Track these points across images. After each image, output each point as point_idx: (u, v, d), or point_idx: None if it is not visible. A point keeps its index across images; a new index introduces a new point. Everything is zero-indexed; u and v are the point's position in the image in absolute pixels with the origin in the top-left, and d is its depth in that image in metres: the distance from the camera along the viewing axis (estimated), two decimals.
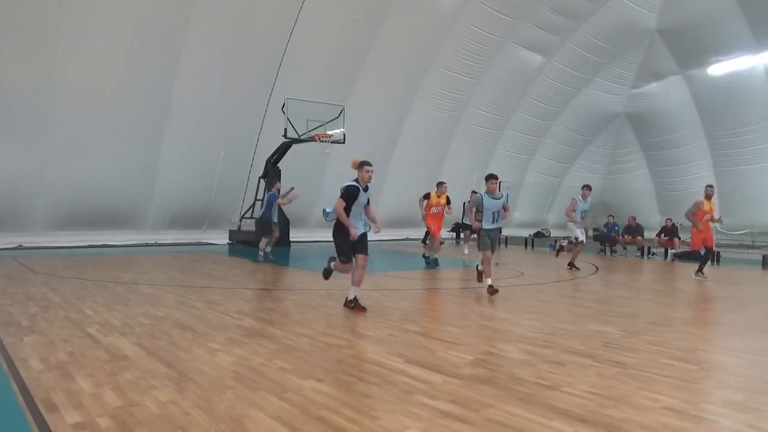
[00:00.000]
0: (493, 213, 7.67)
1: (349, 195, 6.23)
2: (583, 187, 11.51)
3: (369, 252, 6.47)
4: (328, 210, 6.38)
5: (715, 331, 5.90)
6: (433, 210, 11.68)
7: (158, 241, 16.44)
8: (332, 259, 6.80)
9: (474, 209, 7.99)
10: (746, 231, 21.15)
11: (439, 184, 11.88)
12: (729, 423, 3.15)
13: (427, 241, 13.11)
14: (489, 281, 7.53)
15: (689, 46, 21.17)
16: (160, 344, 4.70)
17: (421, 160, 20.53)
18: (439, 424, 3.04)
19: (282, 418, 3.10)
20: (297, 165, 16.29)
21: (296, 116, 15.05)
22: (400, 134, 19.66)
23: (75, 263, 11.01)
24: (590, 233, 24.99)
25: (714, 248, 10.70)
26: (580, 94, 23.60)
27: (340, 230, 6.31)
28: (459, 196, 15.90)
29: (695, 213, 10.20)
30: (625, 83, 23.97)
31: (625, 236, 17.03)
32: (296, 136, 15.14)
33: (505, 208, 7.79)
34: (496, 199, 7.69)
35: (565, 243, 13.30)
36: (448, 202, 11.89)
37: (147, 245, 15.96)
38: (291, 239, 16.60)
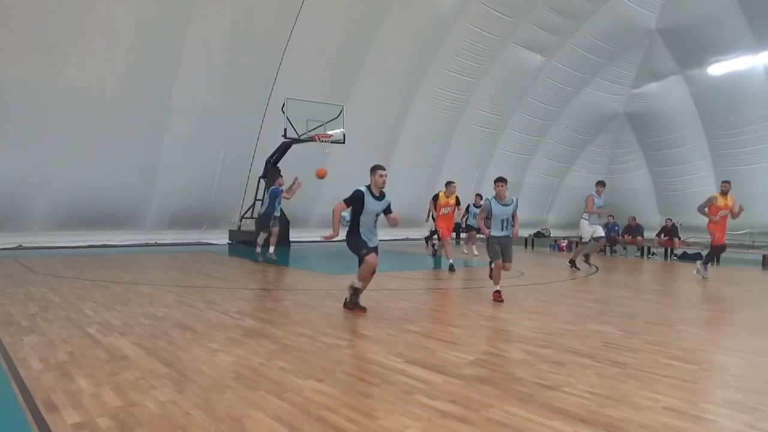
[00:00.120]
0: (502, 220, 7.28)
1: (352, 199, 5.82)
2: (597, 184, 11.68)
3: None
4: (344, 213, 6.07)
5: (715, 331, 5.90)
6: (443, 211, 11.43)
7: (158, 241, 16.44)
8: (354, 290, 6.25)
9: (483, 218, 7.51)
10: (746, 231, 21.12)
11: (448, 184, 11.60)
12: (729, 423, 3.15)
13: (435, 243, 12.99)
14: (498, 288, 7.31)
15: (689, 46, 21.17)
16: (160, 344, 4.70)
17: (421, 160, 20.54)
18: (439, 424, 3.04)
19: (282, 418, 3.10)
20: (297, 165, 16.26)
21: (296, 116, 15.05)
22: (400, 134, 19.66)
23: (75, 263, 11.01)
24: None
25: (722, 247, 10.54)
26: (580, 94, 23.60)
27: (352, 234, 6.02)
28: (459, 197, 15.88)
29: (709, 207, 10.16)
30: (625, 83, 23.98)
31: (625, 236, 17.04)
32: (296, 136, 15.13)
33: (513, 217, 7.37)
34: (505, 205, 7.28)
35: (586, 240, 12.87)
36: (458, 202, 11.66)
37: (147, 245, 15.96)
38: (291, 239, 16.59)
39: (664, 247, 16.31)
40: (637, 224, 17.24)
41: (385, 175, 5.90)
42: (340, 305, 6.60)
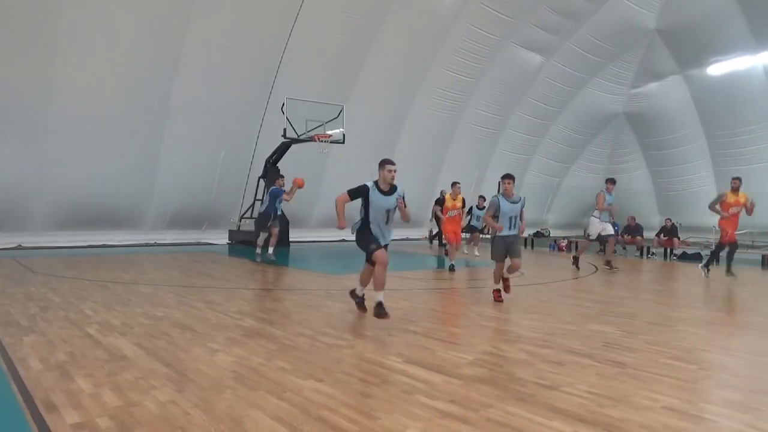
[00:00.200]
0: (510, 218, 7.09)
1: (356, 192, 5.57)
2: (607, 181, 11.71)
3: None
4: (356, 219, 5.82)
5: (714, 331, 5.90)
6: (451, 213, 11.14)
7: (158, 241, 16.44)
8: (352, 293, 6.20)
9: (491, 215, 7.28)
10: (746, 231, 21.10)
11: (454, 185, 11.33)
12: (729, 423, 3.15)
13: (444, 245, 12.74)
14: (498, 286, 7.29)
15: (689, 46, 21.17)
16: (160, 344, 4.70)
17: (421, 160, 20.53)
18: (438, 424, 3.04)
19: (282, 418, 3.10)
20: (296, 165, 16.27)
21: (296, 116, 15.04)
22: (400, 134, 19.66)
23: (75, 263, 11.01)
24: None
25: (734, 244, 10.39)
26: (579, 94, 23.60)
27: (362, 231, 5.72)
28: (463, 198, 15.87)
29: (720, 204, 10.14)
30: (625, 83, 23.98)
31: (625, 236, 17.03)
32: (295, 136, 15.13)
33: (520, 218, 7.23)
34: (513, 202, 7.11)
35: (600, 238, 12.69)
36: (463, 204, 11.35)
37: (147, 245, 15.96)
38: (291, 239, 16.59)
39: (663, 247, 16.31)
40: (637, 224, 17.24)
41: (395, 171, 5.62)
42: (340, 305, 6.60)
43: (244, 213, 17.15)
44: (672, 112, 23.44)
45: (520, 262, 7.23)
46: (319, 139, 15.19)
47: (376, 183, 5.63)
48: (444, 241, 11.03)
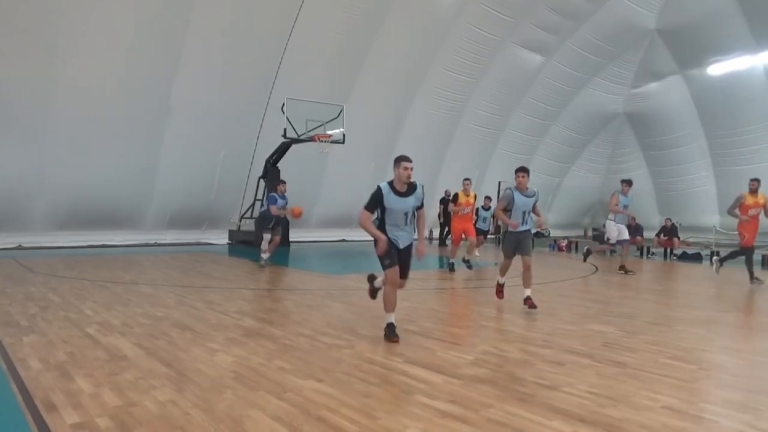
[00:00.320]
0: (524, 212, 6.79)
1: (372, 202, 5.02)
2: (622, 182, 11.33)
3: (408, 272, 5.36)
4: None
5: (714, 331, 5.90)
6: (465, 210, 10.85)
7: (158, 241, 16.44)
8: (372, 277, 5.82)
9: (503, 208, 6.90)
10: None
11: (465, 181, 11.03)
12: (728, 423, 3.15)
13: (447, 243, 12.43)
14: (502, 280, 7.19)
15: (689, 46, 21.17)
16: (160, 344, 4.70)
17: (421, 160, 20.33)
18: (438, 424, 3.04)
19: (282, 418, 3.10)
20: (296, 165, 16.29)
21: (296, 116, 15.04)
22: (400, 134, 19.66)
23: (75, 263, 11.01)
24: (589, 233, 25.09)
25: (750, 249, 9.93)
26: (579, 94, 23.60)
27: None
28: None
29: (738, 207, 9.83)
30: (625, 83, 23.98)
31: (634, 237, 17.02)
32: (296, 136, 15.13)
33: (535, 211, 6.96)
34: (527, 196, 6.78)
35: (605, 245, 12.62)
36: (475, 199, 11.10)
37: (147, 245, 15.96)
38: (291, 239, 16.59)
39: (663, 247, 16.31)
40: (637, 224, 17.23)
41: (411, 168, 5.05)
42: (340, 305, 6.59)
43: (244, 213, 17.15)
44: (672, 112, 23.44)
45: (531, 260, 6.92)
46: (319, 139, 15.19)
47: (390, 183, 5.07)
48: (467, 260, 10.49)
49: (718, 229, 17.30)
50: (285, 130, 14.89)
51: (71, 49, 13.10)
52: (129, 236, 15.98)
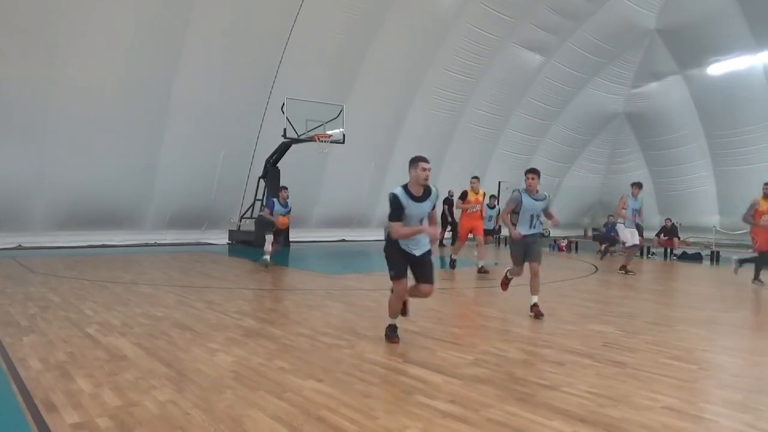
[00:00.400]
0: (532, 216, 6.39)
1: (396, 209, 4.68)
2: (632, 185, 11.00)
3: (433, 279, 5.00)
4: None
5: (714, 331, 5.90)
6: (474, 209, 10.72)
7: (158, 241, 16.44)
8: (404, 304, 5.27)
9: (510, 211, 6.53)
10: (746, 231, 21.14)
11: (473, 179, 10.90)
12: (728, 423, 3.15)
13: (451, 244, 12.25)
14: (510, 276, 6.98)
15: (689, 46, 21.18)
16: (160, 344, 4.70)
17: None
18: (438, 424, 3.04)
19: (282, 418, 3.10)
20: (296, 165, 16.29)
21: (296, 116, 15.03)
22: (400, 134, 19.66)
23: (74, 263, 11.01)
24: (589, 233, 25.09)
25: (764, 254, 9.72)
26: (579, 94, 23.61)
27: (391, 244, 4.92)
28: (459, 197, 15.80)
29: (753, 213, 9.63)
30: (625, 83, 23.99)
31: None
32: (296, 136, 15.13)
33: (547, 214, 6.56)
34: (537, 200, 6.38)
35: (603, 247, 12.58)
36: (484, 197, 11.02)
37: (146, 245, 15.96)
38: (291, 239, 16.58)
39: (663, 247, 16.31)
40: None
41: (429, 169, 4.70)
42: (340, 305, 6.58)
43: (244, 213, 17.15)
44: (672, 112, 23.46)
45: (539, 266, 6.44)
46: (319, 139, 15.18)
47: (405, 187, 4.76)
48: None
49: (718, 229, 17.31)
50: (285, 130, 14.89)
51: (71, 49, 13.10)
52: (129, 236, 15.98)
